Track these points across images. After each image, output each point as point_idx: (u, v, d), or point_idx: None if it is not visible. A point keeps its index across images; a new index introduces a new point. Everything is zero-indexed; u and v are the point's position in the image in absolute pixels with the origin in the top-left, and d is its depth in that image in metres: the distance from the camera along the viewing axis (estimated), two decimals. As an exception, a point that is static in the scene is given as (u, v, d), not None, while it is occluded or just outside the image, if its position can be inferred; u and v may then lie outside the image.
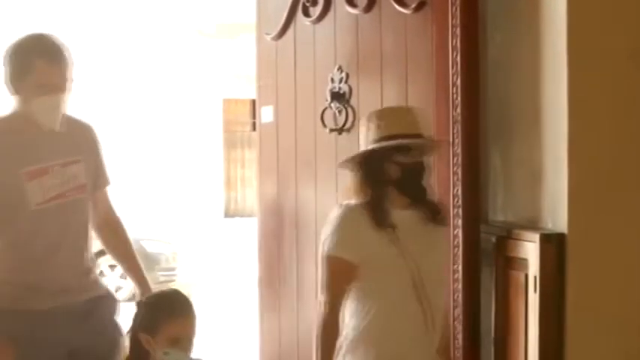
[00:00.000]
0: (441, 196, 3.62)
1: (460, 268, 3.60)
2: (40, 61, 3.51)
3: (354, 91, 4.26)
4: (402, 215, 3.27)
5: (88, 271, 3.70)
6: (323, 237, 3.27)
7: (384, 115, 3.32)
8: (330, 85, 4.35)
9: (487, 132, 3.70)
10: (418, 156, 3.29)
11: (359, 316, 3.25)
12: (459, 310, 3.61)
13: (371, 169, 3.27)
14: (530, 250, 3.31)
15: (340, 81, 4.31)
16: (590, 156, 3.30)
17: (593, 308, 3.28)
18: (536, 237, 3.29)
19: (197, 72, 11.90)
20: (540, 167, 3.46)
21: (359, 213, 3.24)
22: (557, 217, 3.33)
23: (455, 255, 3.61)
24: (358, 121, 4.20)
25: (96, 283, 3.74)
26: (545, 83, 3.47)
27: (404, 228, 3.25)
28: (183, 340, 3.25)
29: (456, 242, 3.60)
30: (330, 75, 4.36)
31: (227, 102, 13.22)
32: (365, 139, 3.31)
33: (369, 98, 4.17)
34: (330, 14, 4.39)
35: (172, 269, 11.28)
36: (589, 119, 3.32)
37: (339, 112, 4.31)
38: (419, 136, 3.28)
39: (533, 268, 3.30)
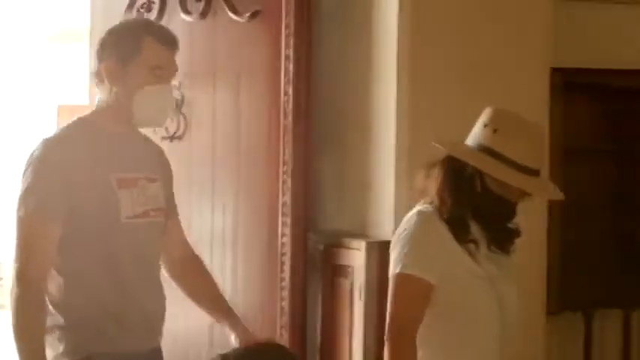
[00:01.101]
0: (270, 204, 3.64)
1: (287, 276, 3.62)
2: (150, 38, 2.81)
3: (187, 99, 4.21)
4: (474, 230, 2.62)
5: (164, 313, 2.99)
6: (396, 251, 2.61)
7: (508, 123, 2.60)
8: (162, 92, 4.29)
9: (320, 141, 3.72)
10: (516, 196, 2.61)
11: (443, 350, 2.62)
12: (285, 319, 3.62)
13: (458, 171, 2.59)
14: (356, 257, 3.35)
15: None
16: (416, 168, 3.36)
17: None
18: (363, 245, 3.32)
19: (32, 78, 11.61)
20: (369, 177, 3.50)
21: (437, 223, 2.59)
22: (384, 226, 3.37)
23: (282, 263, 3.62)
24: (190, 129, 4.19)
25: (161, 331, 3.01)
26: (375, 96, 3.53)
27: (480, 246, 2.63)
28: None
29: (283, 251, 3.61)
30: (164, 82, 4.30)
31: (62, 109, 12.95)
32: (475, 133, 2.62)
33: (201, 106, 4.14)
34: (165, 21, 4.34)
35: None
36: (416, 132, 3.38)
37: (172, 119, 4.26)
38: (536, 172, 2.59)
39: (360, 276, 3.34)
